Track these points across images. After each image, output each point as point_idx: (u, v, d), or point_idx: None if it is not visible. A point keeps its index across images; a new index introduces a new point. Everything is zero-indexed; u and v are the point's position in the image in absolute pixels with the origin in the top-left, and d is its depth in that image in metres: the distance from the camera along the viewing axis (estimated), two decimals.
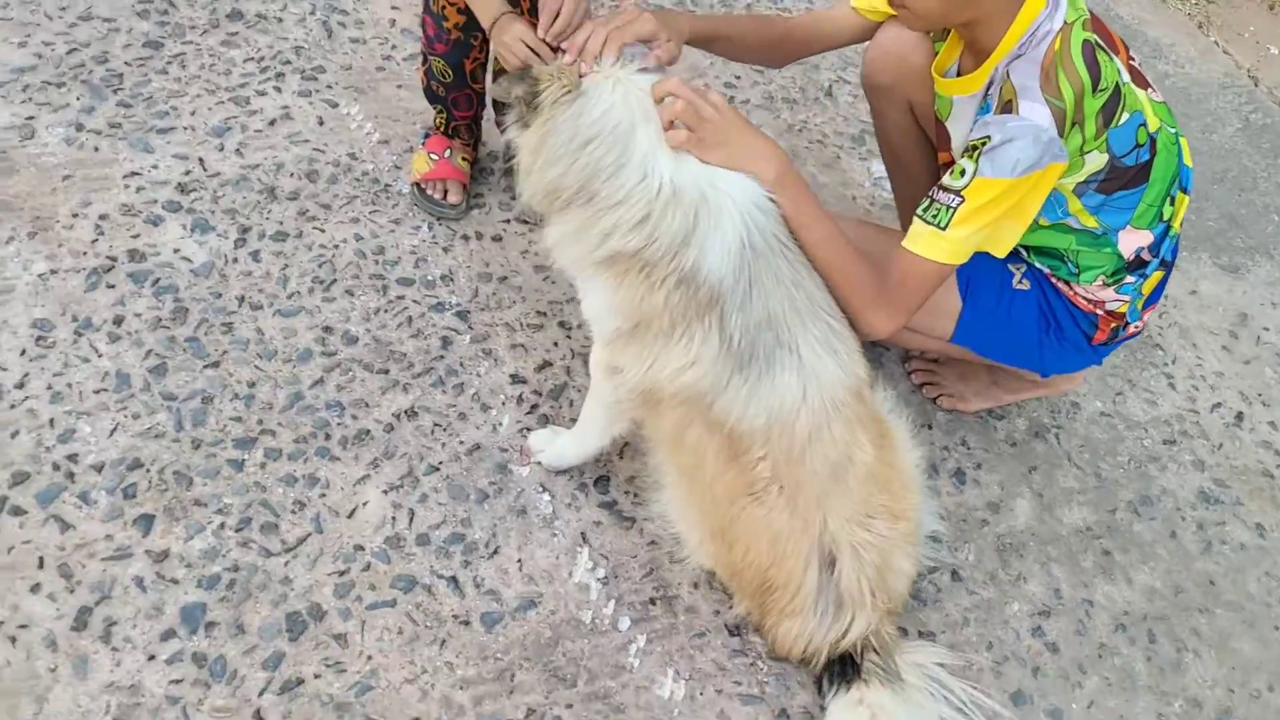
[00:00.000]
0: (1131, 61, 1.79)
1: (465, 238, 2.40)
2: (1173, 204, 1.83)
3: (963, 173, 1.69)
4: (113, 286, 2.10)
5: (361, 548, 1.85)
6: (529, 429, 2.07)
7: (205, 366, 2.02)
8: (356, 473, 1.94)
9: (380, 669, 1.71)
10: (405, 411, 2.05)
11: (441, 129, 2.44)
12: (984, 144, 1.66)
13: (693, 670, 1.82)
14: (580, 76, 1.69)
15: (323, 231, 2.32)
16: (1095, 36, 1.71)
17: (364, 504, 1.90)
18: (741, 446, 1.69)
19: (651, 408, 1.77)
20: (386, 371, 2.10)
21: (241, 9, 2.77)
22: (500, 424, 2.08)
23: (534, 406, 2.12)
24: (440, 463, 1.99)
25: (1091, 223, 1.82)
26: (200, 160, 2.38)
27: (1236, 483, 2.40)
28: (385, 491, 1.93)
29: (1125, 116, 1.71)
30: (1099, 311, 1.94)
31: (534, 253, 2.41)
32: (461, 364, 2.15)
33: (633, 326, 1.71)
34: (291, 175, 2.41)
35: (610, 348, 1.78)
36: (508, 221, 2.47)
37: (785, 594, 1.77)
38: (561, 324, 2.28)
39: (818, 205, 1.73)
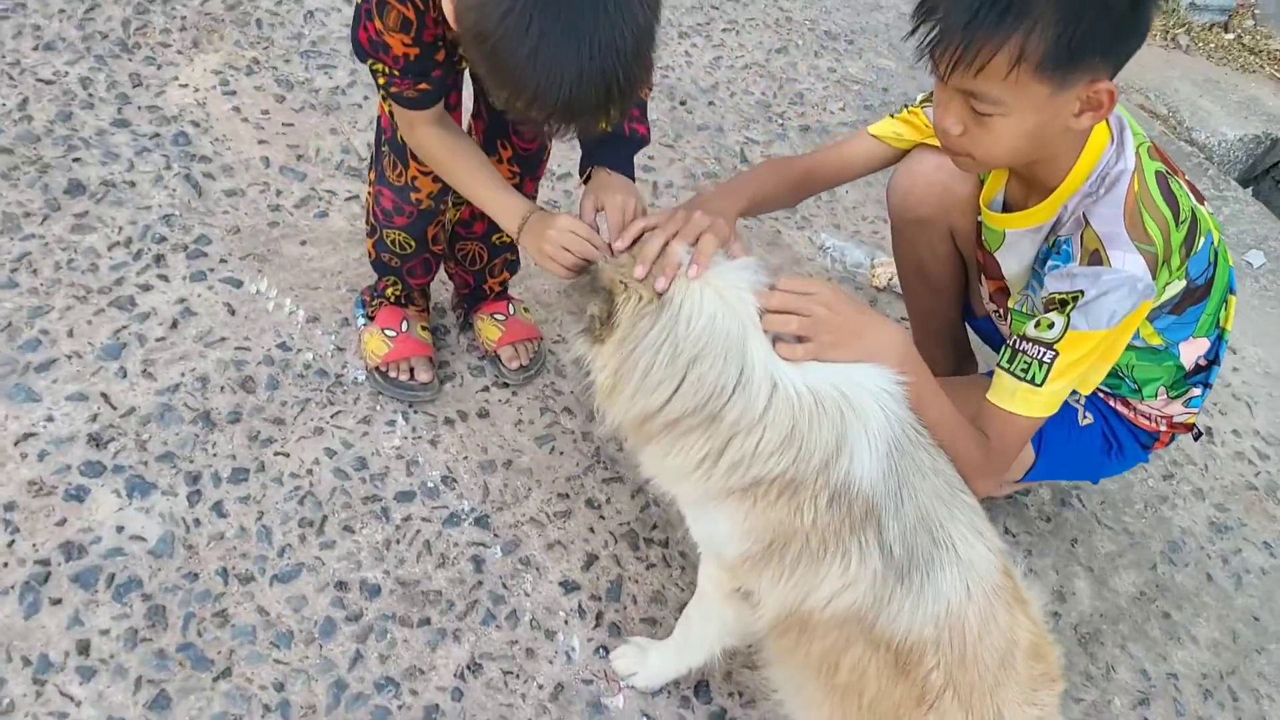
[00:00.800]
0: (1187, 179, 1.75)
1: (449, 422, 2.08)
2: (1226, 308, 1.82)
3: (1051, 325, 1.59)
4: (58, 601, 1.66)
5: None
6: (604, 647, 1.83)
7: (215, 679, 1.63)
8: None
9: None
10: (467, 666, 1.75)
11: (394, 300, 2.10)
12: (1077, 298, 1.57)
13: None
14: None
15: (287, 456, 1.94)
16: (1163, 165, 1.65)
17: None
18: (911, 660, 1.53)
19: (793, 633, 1.58)
20: (428, 621, 1.79)
21: (80, 178, 2.27)
22: (573, 649, 1.82)
23: (599, 616, 1.87)
24: None
25: (1157, 340, 1.78)
26: (104, 396, 1.93)
27: (1233, 503, 2.51)
28: None
29: (1201, 241, 1.67)
30: (1162, 428, 1.92)
31: (528, 421, 2.13)
32: (504, 585, 1.87)
33: (766, 548, 1.51)
34: (222, 390, 2.00)
35: (733, 571, 1.57)
36: (486, 390, 2.17)
37: None
38: (589, 502, 2.03)
39: (934, 379, 1.58)
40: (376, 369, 2.07)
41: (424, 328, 2.14)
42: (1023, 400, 1.62)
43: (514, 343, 2.16)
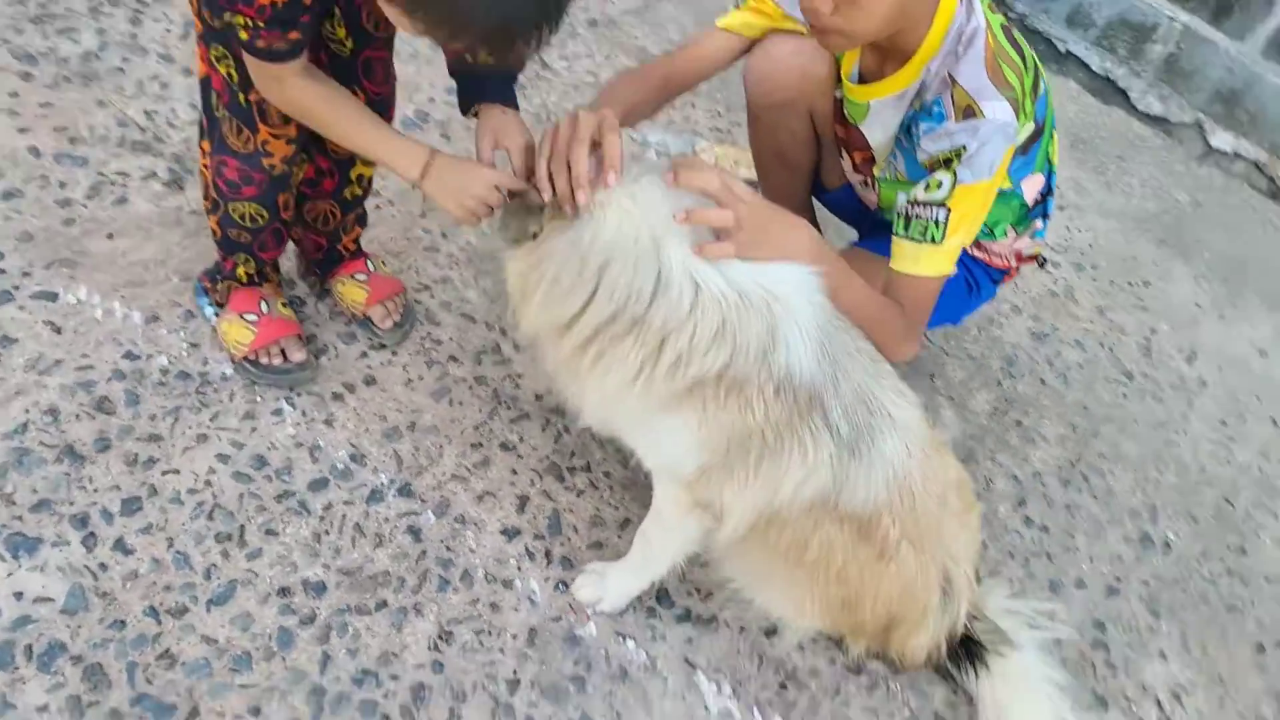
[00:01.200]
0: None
1: (337, 397, 1.97)
2: (1053, 143, 1.99)
3: (939, 184, 1.70)
4: None
5: None
6: (562, 582, 1.84)
7: None
8: None
9: None
10: (438, 637, 1.71)
11: (246, 280, 1.93)
12: (959, 154, 1.68)
13: None
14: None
15: (177, 473, 1.78)
16: (1002, 17, 1.76)
17: None
18: (871, 524, 1.66)
19: (760, 531, 1.65)
20: (385, 604, 1.73)
21: None
22: (534, 593, 1.82)
23: (547, 554, 1.88)
24: (515, 671, 1.71)
25: (1006, 184, 1.93)
26: None
27: (1044, 312, 2.81)
28: None
29: (1041, 84, 1.81)
30: (1012, 263, 2.10)
31: (417, 378, 2.05)
32: (447, 548, 1.83)
33: (725, 455, 1.56)
34: (78, 418, 1.79)
35: (694, 486, 1.62)
36: (365, 355, 2.06)
37: (912, 622, 1.81)
38: (503, 446, 2.00)
39: (845, 264, 1.66)
40: (245, 359, 1.92)
41: (284, 304, 1.99)
42: (928, 261, 1.73)
43: (382, 301, 2.06)
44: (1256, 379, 2.95)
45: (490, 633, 1.75)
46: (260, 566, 1.71)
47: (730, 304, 1.46)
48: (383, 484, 1.88)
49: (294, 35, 1.44)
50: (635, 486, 2.02)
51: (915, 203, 1.73)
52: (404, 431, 1.96)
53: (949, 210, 1.70)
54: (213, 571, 1.68)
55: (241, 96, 1.62)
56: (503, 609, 1.78)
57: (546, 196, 1.46)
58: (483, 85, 1.63)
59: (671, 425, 1.55)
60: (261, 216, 1.80)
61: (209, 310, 1.98)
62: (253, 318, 1.92)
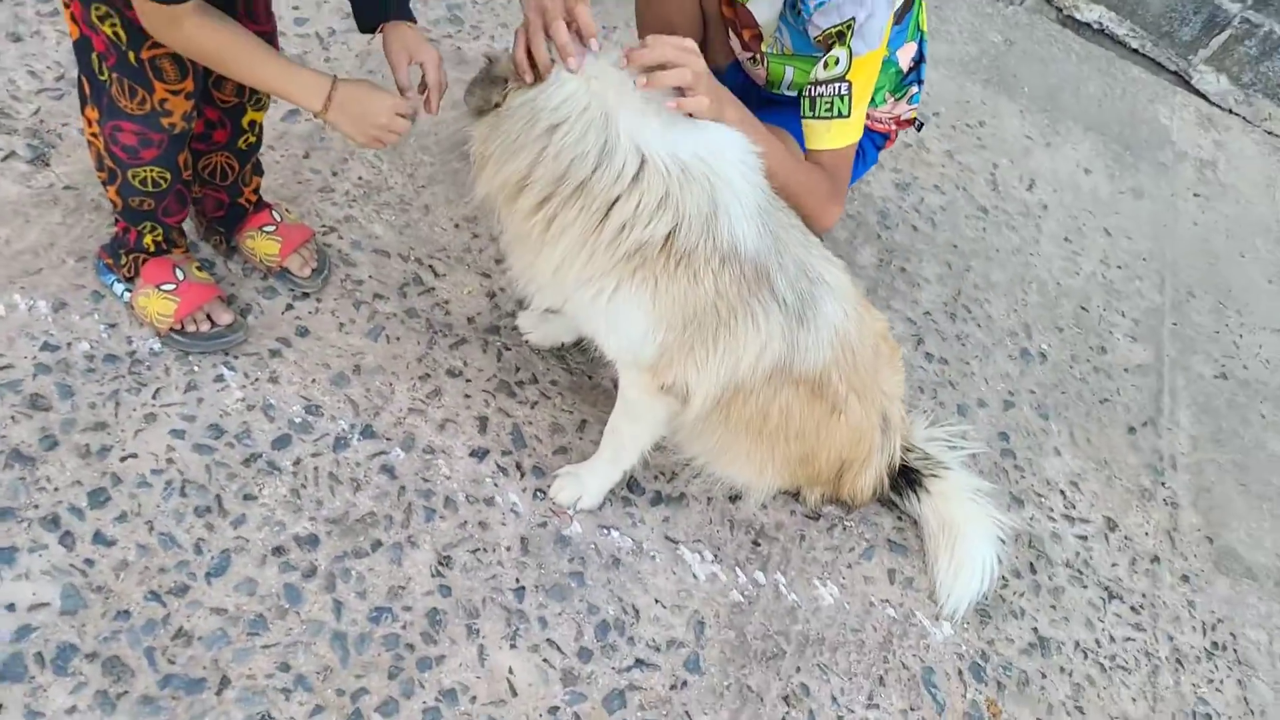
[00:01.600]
0: None
1: (275, 354, 1.95)
2: (922, 10, 2.11)
3: (837, 61, 1.80)
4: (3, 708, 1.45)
5: (554, 710, 1.69)
6: (539, 490, 1.92)
7: (218, 692, 1.54)
8: (469, 652, 1.70)
9: None
10: (438, 564, 1.78)
11: (154, 249, 1.86)
12: (850, 26, 1.78)
13: (823, 569, 2.02)
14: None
15: (136, 456, 1.74)
16: None
17: (509, 675, 1.70)
18: (822, 383, 1.80)
19: (723, 406, 1.77)
20: (380, 543, 1.77)
21: None
22: (515, 505, 1.89)
23: (518, 466, 1.95)
24: (517, 579, 1.80)
25: (885, 51, 2.05)
26: None
27: (903, 164, 3.00)
28: (511, 647, 1.73)
29: None
30: (892, 127, 2.24)
31: (348, 321, 2.04)
32: (423, 479, 1.87)
33: (682, 332, 1.66)
34: (15, 420, 1.71)
35: (655, 369, 1.71)
36: (291, 307, 2.02)
37: (860, 463, 2.00)
38: (450, 372, 2.04)
39: (772, 135, 1.75)
40: (171, 330, 1.86)
41: (199, 268, 1.93)
42: (839, 133, 1.85)
43: (296, 249, 2.02)
44: (1086, 196, 3.26)
45: (485, 549, 1.83)
46: (248, 531, 1.72)
47: (674, 177, 1.54)
48: (344, 430, 1.89)
49: None
50: (583, 389, 2.11)
51: (817, 83, 1.83)
52: (350, 376, 1.97)
53: (850, 84, 1.81)
54: (202, 545, 1.68)
55: (131, 55, 1.55)
56: (491, 525, 1.86)
57: (529, 79, 1.51)
58: (385, 2, 1.64)
59: (625, 302, 1.61)
60: (164, 179, 1.74)
61: (119, 288, 1.90)
62: (170, 287, 1.86)
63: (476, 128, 1.58)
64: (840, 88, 1.82)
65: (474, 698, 1.66)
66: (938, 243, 2.82)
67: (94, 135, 1.69)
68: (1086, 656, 2.08)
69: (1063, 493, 2.37)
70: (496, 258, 2.24)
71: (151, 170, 1.71)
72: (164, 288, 1.86)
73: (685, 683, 1.78)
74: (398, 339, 2.05)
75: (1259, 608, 2.32)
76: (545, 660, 1.73)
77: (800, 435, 1.87)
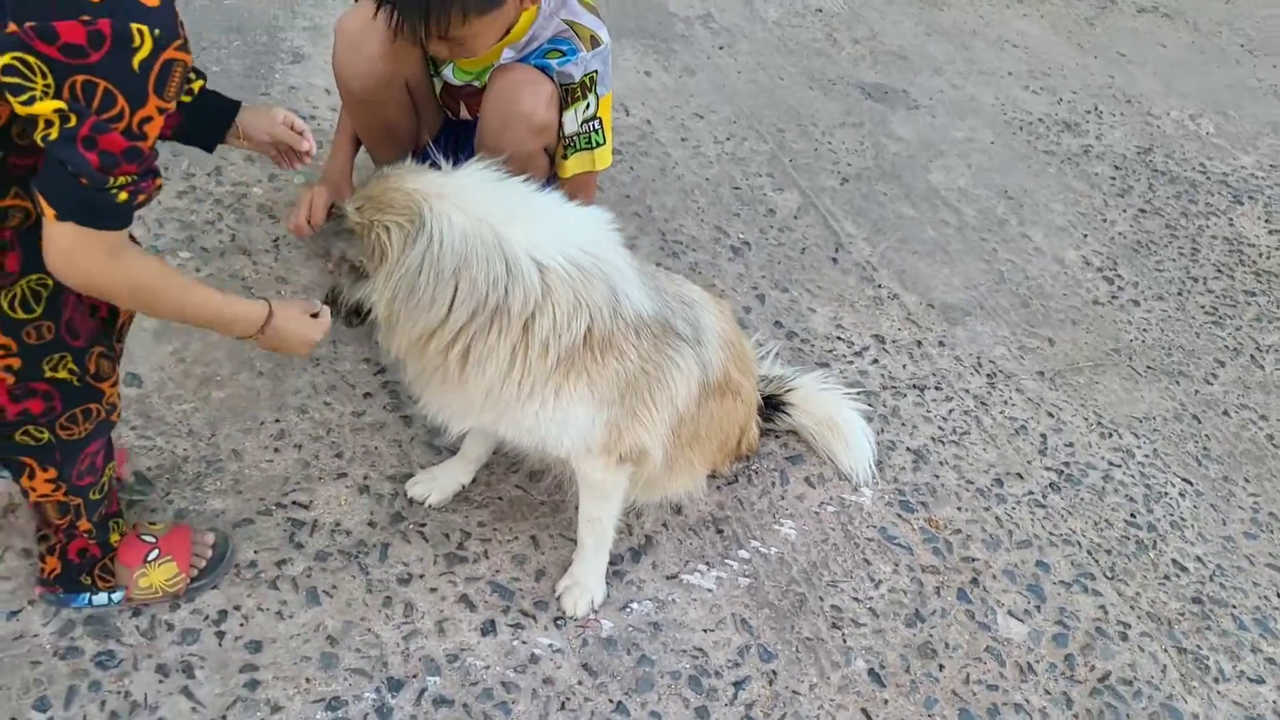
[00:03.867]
0: None
1: (254, 685, 1.77)
2: None
3: (587, 105, 2.18)
4: None
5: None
6: (559, 616, 1.99)
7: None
8: None
9: None
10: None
11: (121, 535, 1.81)
12: (594, 77, 2.16)
13: (771, 515, 2.30)
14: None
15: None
16: None
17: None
18: (726, 381, 2.03)
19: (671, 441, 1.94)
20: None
21: None
22: (553, 644, 1.95)
23: (523, 612, 1.99)
24: (609, 700, 1.89)
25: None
26: None
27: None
28: None
29: None
30: None
31: (282, 604, 1.88)
32: (472, 684, 1.86)
33: (622, 404, 1.81)
34: None
35: (608, 446, 1.84)
36: (221, 632, 1.82)
37: (749, 421, 2.26)
38: (400, 580, 1.98)
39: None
40: (190, 582, 1.86)
41: (150, 522, 1.91)
42: (601, 158, 2.31)
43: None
44: (661, 94, 3.65)
45: (567, 698, 1.88)
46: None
47: (576, 279, 1.67)
48: (375, 699, 1.80)
49: (159, 181, 1.30)
50: (509, 514, 2.16)
51: (574, 132, 2.21)
52: (332, 650, 1.85)
53: (600, 119, 2.23)
54: None
55: (77, 380, 1.47)
56: (553, 676, 1.91)
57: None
58: (220, 113, 1.85)
59: (569, 401, 1.74)
60: (111, 468, 1.69)
61: (103, 597, 1.80)
62: (155, 554, 1.82)
63: (372, 291, 1.63)
64: (594, 124, 2.23)
65: None
66: (612, 197, 3.07)
67: (48, 494, 1.59)
68: (944, 444, 2.60)
69: (838, 338, 2.83)
70: (335, 452, 2.15)
71: (109, 469, 1.67)
72: (149, 557, 1.81)
73: (774, 671, 2.02)
74: (334, 587, 1.95)
75: (985, 331, 2.99)
76: None
77: (721, 428, 2.09)
